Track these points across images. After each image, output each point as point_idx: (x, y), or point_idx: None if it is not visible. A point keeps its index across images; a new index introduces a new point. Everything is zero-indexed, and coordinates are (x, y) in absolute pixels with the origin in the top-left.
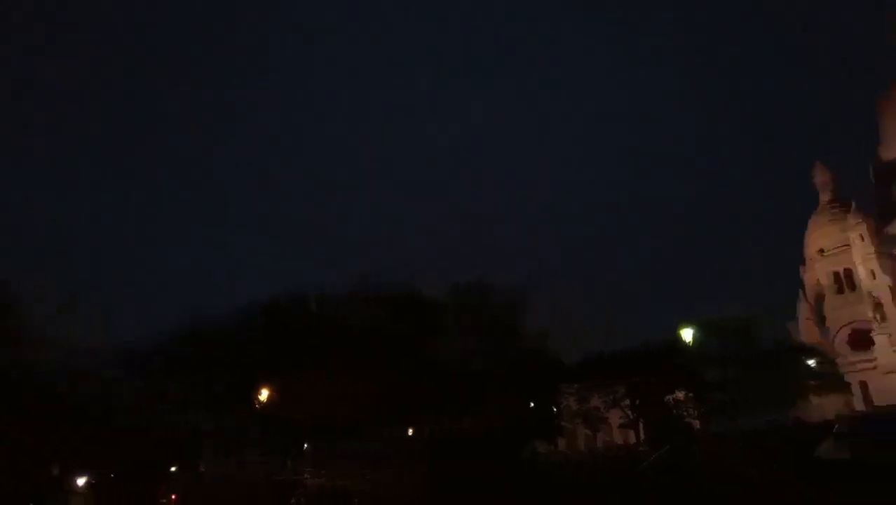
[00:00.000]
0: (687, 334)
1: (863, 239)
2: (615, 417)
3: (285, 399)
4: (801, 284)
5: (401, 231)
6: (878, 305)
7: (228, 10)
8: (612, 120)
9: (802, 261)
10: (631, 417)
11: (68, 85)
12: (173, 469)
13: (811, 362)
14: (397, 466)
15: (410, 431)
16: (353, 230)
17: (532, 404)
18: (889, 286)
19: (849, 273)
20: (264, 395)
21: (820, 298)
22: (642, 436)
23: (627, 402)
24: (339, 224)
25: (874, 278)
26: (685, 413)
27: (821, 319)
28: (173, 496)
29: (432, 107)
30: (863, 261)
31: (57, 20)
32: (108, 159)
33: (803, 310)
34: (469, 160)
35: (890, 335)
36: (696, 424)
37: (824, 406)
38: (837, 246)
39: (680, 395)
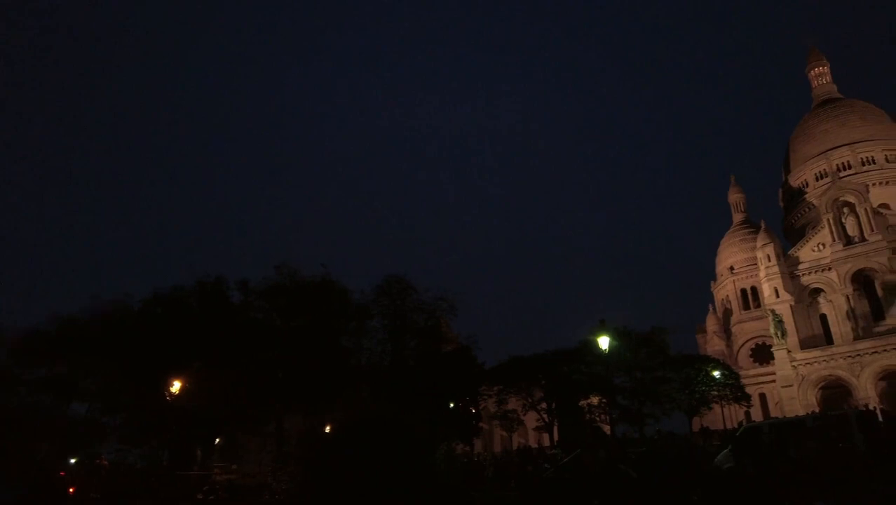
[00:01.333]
0: (603, 342)
1: (769, 259)
2: (531, 420)
3: (198, 391)
4: (711, 299)
5: (341, 229)
6: (779, 322)
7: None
8: (542, 138)
9: (714, 277)
10: (546, 420)
11: None
12: (73, 461)
13: (716, 373)
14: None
15: (328, 429)
16: (290, 227)
17: (451, 405)
18: (790, 304)
19: (755, 290)
20: (176, 386)
21: (728, 313)
22: (556, 438)
23: (544, 405)
24: (279, 221)
25: (777, 296)
26: (597, 418)
27: (727, 333)
28: (71, 489)
29: (385, 108)
30: (768, 279)
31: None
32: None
33: (711, 323)
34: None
35: (789, 351)
36: (607, 428)
37: (727, 416)
38: (746, 264)
39: (594, 399)
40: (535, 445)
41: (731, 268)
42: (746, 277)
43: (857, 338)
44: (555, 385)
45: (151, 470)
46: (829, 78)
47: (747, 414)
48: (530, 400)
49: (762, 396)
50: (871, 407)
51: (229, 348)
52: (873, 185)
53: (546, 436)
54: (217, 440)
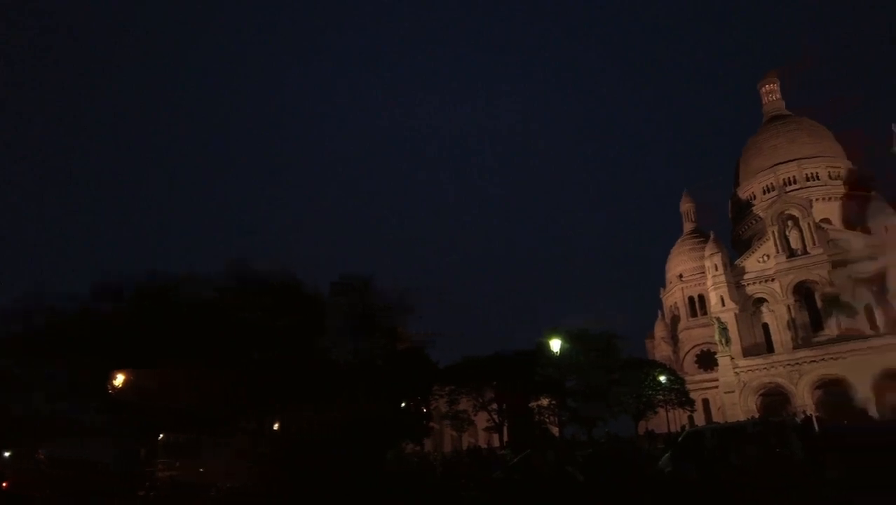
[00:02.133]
0: (555, 344)
1: (716, 268)
2: (482, 420)
3: (144, 386)
4: (660, 305)
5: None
6: (723, 330)
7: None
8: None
9: (664, 284)
10: (497, 420)
11: None
12: (7, 454)
13: (663, 378)
14: (256, 459)
15: (276, 426)
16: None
17: (403, 404)
18: (735, 313)
19: (702, 298)
20: (119, 379)
21: (676, 320)
22: (506, 439)
23: (495, 405)
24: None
25: (723, 305)
26: (546, 419)
27: (675, 339)
28: (4, 484)
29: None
30: (714, 288)
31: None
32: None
33: (660, 329)
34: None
35: (732, 358)
36: (556, 430)
37: (671, 419)
38: (695, 273)
39: (543, 401)
40: (484, 446)
41: (681, 276)
42: (694, 285)
43: (796, 347)
44: (506, 386)
45: (91, 465)
46: (778, 95)
47: (691, 418)
48: (481, 400)
49: (705, 402)
50: (807, 414)
51: (191, 346)
52: (817, 200)
53: (496, 436)
54: (161, 436)
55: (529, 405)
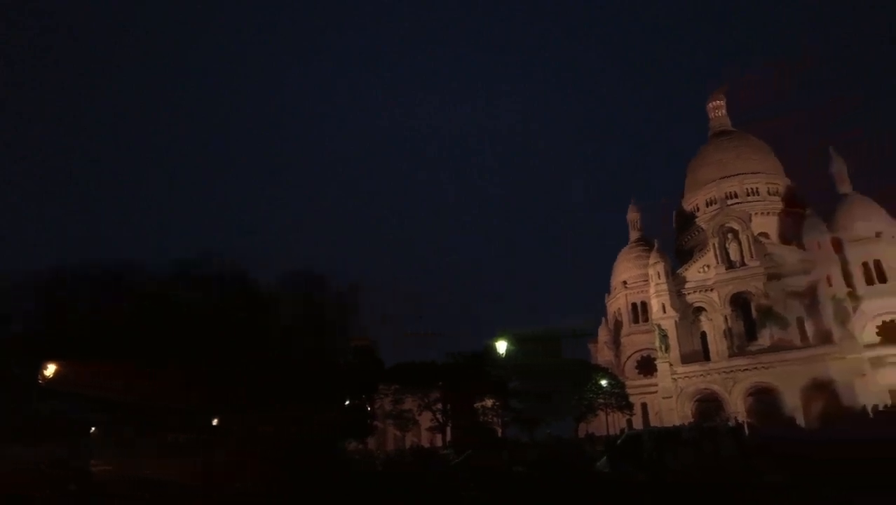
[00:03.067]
0: (501, 346)
1: (659, 276)
2: (426, 420)
3: (79, 378)
4: (604, 311)
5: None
6: (664, 337)
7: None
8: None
9: (609, 290)
10: (440, 420)
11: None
12: None
13: (604, 382)
14: (195, 456)
15: (215, 422)
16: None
17: (347, 403)
18: (675, 321)
19: (645, 305)
20: (50, 370)
21: (619, 325)
22: (449, 439)
23: (439, 405)
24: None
25: (664, 312)
26: (491, 420)
27: (617, 344)
28: None
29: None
30: (656, 295)
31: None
32: None
33: (603, 334)
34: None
35: (670, 364)
36: (499, 430)
37: (610, 423)
38: (639, 280)
39: (488, 402)
40: (427, 445)
41: (625, 282)
42: (638, 292)
43: (731, 355)
44: (453, 387)
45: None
46: (724, 111)
47: (629, 422)
48: (426, 400)
49: (644, 406)
50: (739, 420)
51: (131, 339)
52: (756, 214)
53: (439, 436)
54: (92, 429)
55: (475, 406)
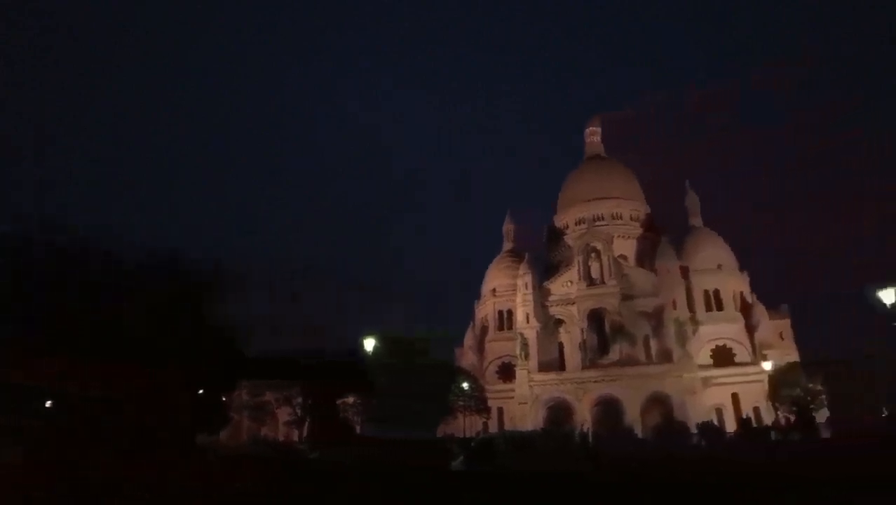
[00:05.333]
0: (368, 344)
1: (526, 287)
2: (284, 413)
3: None
4: (472, 317)
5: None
6: (525, 345)
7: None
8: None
9: (478, 296)
10: (299, 414)
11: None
12: None
13: (465, 385)
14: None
15: (48, 403)
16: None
17: (201, 392)
18: (537, 331)
19: (511, 314)
20: None
21: (485, 331)
22: (306, 434)
23: (300, 399)
24: None
25: (528, 322)
26: (352, 417)
27: (481, 349)
28: None
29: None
30: (522, 305)
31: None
32: None
33: (469, 339)
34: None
35: (528, 372)
36: (358, 428)
37: (468, 425)
38: (507, 289)
39: (349, 399)
40: (282, 439)
41: (494, 290)
42: (505, 301)
43: (584, 367)
44: (316, 382)
45: None
46: (598, 138)
47: (485, 425)
48: (286, 394)
49: (500, 410)
50: (586, 428)
51: None
52: (618, 237)
53: (296, 431)
54: None
55: (337, 402)
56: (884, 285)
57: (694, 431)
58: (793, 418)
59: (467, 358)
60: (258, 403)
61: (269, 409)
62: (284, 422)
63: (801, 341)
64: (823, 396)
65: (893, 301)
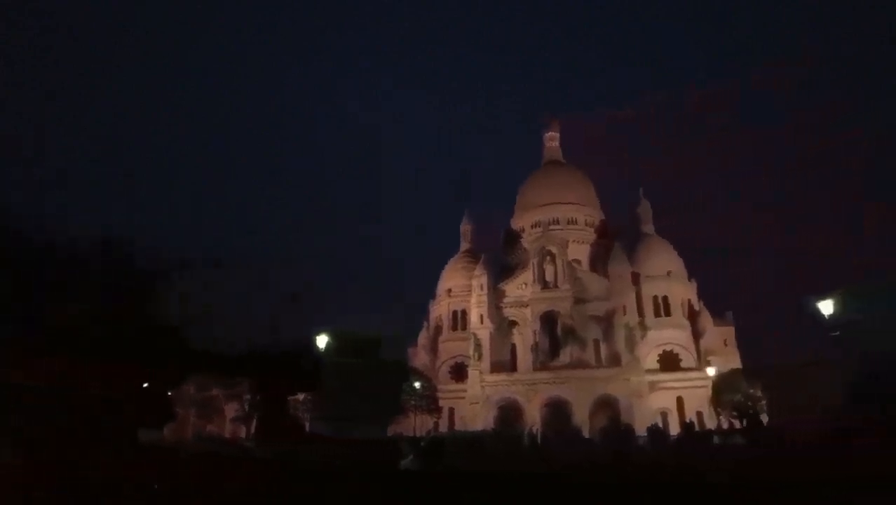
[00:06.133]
0: (321, 341)
1: (481, 288)
2: (231, 410)
3: None
4: (427, 316)
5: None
6: (478, 346)
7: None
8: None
9: (434, 295)
10: (247, 411)
11: None
12: None
13: (417, 385)
14: None
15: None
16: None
17: (146, 385)
18: (490, 332)
19: (465, 314)
20: None
21: (439, 331)
22: (254, 431)
23: (249, 396)
24: None
25: (481, 323)
26: (302, 415)
27: (434, 349)
28: None
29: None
30: (477, 306)
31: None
32: None
33: (423, 338)
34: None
35: (480, 372)
36: (307, 426)
37: (418, 424)
38: (463, 289)
39: (300, 396)
40: (228, 436)
41: (450, 290)
42: (460, 301)
43: (535, 368)
44: (265, 379)
45: None
46: (557, 143)
47: (436, 424)
48: (235, 390)
49: (451, 410)
50: (534, 429)
51: None
52: (573, 242)
53: (244, 428)
54: None
55: (287, 399)
56: (824, 297)
57: (640, 433)
58: (736, 424)
59: (420, 357)
60: (205, 398)
61: (216, 405)
62: (231, 418)
63: (743, 348)
64: (763, 402)
65: (832, 312)
